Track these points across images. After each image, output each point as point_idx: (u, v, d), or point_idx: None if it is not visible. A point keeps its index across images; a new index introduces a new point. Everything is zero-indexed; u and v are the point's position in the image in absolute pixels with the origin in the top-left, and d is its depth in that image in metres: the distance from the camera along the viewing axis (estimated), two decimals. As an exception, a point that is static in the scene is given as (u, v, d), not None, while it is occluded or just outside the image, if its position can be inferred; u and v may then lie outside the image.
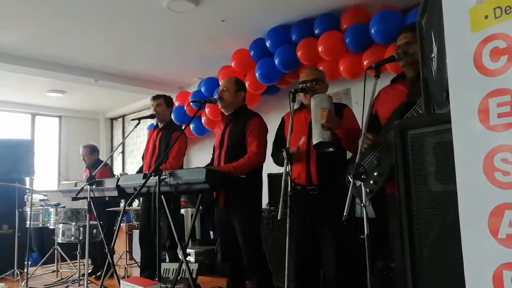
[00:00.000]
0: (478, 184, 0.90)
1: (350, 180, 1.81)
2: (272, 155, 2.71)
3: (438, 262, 1.16)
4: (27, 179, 4.50)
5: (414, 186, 1.22)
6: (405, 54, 2.08)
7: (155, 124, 3.76)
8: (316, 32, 3.74)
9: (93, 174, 3.15)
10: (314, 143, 2.23)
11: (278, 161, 2.68)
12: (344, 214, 1.78)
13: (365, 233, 1.79)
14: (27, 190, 4.35)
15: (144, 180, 2.47)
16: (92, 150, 4.80)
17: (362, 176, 1.81)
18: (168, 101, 3.64)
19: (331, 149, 2.24)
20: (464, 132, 0.93)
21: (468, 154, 0.92)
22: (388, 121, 2.07)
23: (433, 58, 1.36)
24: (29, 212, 4.20)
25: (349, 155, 2.49)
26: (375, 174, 2.02)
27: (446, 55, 0.99)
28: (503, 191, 0.86)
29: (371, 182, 2.02)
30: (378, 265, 2.88)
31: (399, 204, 1.24)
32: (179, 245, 2.72)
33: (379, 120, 2.20)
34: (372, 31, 3.34)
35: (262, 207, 3.06)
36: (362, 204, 1.83)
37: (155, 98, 3.61)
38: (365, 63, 3.45)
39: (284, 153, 2.31)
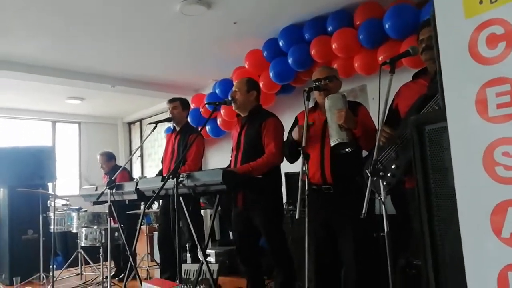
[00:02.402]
0: (478, 181, 0.83)
1: (368, 175, 1.79)
2: (284, 151, 2.70)
3: (460, 259, 1.14)
4: (50, 185, 4.62)
5: (433, 182, 1.20)
6: (428, 48, 2.03)
7: (172, 127, 3.79)
8: (329, 29, 3.71)
9: (113, 178, 3.20)
10: (332, 145, 2.22)
11: (289, 154, 2.63)
12: (363, 211, 1.76)
13: (385, 230, 1.77)
14: (50, 196, 4.46)
15: (163, 182, 2.51)
16: (109, 157, 4.90)
17: (380, 173, 1.80)
18: (184, 103, 3.67)
19: (349, 149, 2.23)
20: (461, 125, 0.87)
21: (466, 149, 0.86)
22: (407, 115, 2.04)
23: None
24: (53, 217, 4.31)
25: (364, 153, 2.47)
26: (392, 167, 2.00)
27: (438, 44, 0.92)
28: (505, 186, 0.80)
29: (389, 175, 2.00)
30: (401, 263, 2.84)
31: (418, 201, 1.23)
32: (198, 246, 2.74)
33: (399, 114, 2.18)
34: (386, 26, 3.30)
35: (283, 206, 3.06)
36: (380, 198, 1.80)
37: (171, 101, 3.65)
38: (380, 58, 3.41)
39: (294, 134, 2.33)
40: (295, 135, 2.45)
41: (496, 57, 0.81)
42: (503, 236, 0.80)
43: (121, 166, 3.94)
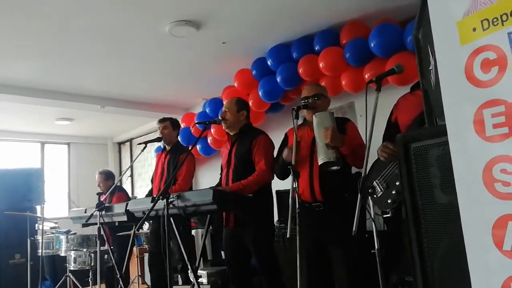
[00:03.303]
0: (479, 197, 0.89)
1: (363, 191, 1.79)
2: (274, 170, 2.72)
3: (450, 275, 1.14)
4: (38, 207, 4.54)
5: (420, 199, 1.22)
6: None
7: (162, 147, 3.79)
8: (316, 48, 3.78)
9: (108, 200, 3.16)
10: (319, 164, 2.24)
11: (279, 172, 2.66)
12: (354, 228, 1.77)
13: (376, 247, 1.77)
14: (38, 218, 4.39)
15: (152, 204, 2.49)
16: (107, 176, 4.85)
17: (369, 190, 1.81)
18: (174, 123, 3.68)
19: (337, 167, 2.25)
20: (461, 144, 0.93)
21: (467, 167, 0.92)
22: (409, 129, 2.02)
23: (431, 71, 1.38)
24: (41, 240, 4.22)
25: (354, 170, 2.49)
26: (397, 184, 1.98)
27: (438, 68, 1.00)
28: (504, 202, 0.85)
29: (393, 192, 2.00)
30: (393, 279, 2.83)
31: (406, 218, 1.24)
32: (189, 267, 2.71)
33: (398, 127, 2.18)
34: (372, 44, 3.37)
35: (274, 224, 3.05)
36: (371, 216, 1.81)
37: (161, 121, 3.66)
38: (366, 76, 3.48)
39: (285, 152, 2.35)
40: (286, 155, 2.46)
41: (490, 81, 0.88)
42: (505, 249, 0.85)
43: (118, 186, 3.89)
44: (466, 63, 0.92)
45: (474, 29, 0.91)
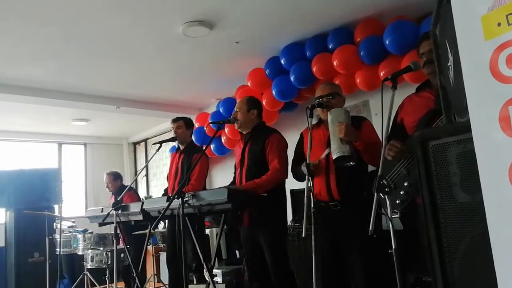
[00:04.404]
0: (505, 195, 0.86)
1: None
2: (292, 171, 2.71)
3: (471, 276, 1.12)
4: (56, 207, 4.62)
5: (439, 198, 1.19)
6: (429, 62, 2.04)
7: (176, 146, 3.81)
8: (330, 46, 3.75)
9: (119, 199, 3.20)
10: (334, 158, 2.22)
11: (297, 176, 2.68)
12: (370, 228, 1.75)
13: (393, 247, 1.75)
14: (56, 218, 4.47)
15: (168, 203, 2.51)
16: (115, 177, 4.91)
17: (386, 189, 1.79)
18: (187, 122, 3.70)
19: (351, 163, 2.22)
20: (486, 142, 0.91)
21: (492, 165, 0.89)
22: (416, 130, 2.03)
23: (449, 67, 1.35)
24: (59, 239, 4.30)
25: (370, 168, 2.46)
26: (405, 184, 1.98)
27: (461, 65, 0.98)
28: None
29: (401, 192, 1.98)
30: (411, 279, 2.79)
31: (425, 218, 1.22)
32: (204, 266, 2.72)
33: (404, 128, 2.17)
34: (387, 42, 3.33)
35: (288, 224, 3.04)
36: (387, 216, 1.79)
37: (174, 120, 3.68)
38: (381, 74, 3.44)
39: (305, 169, 2.31)
40: (305, 171, 2.40)
41: (516, 76, 0.86)
42: None
43: (127, 186, 3.93)
44: (491, 59, 0.90)
45: (499, 24, 0.88)
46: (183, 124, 3.64)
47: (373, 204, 1.77)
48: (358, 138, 2.23)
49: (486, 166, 0.92)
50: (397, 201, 1.98)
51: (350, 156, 2.19)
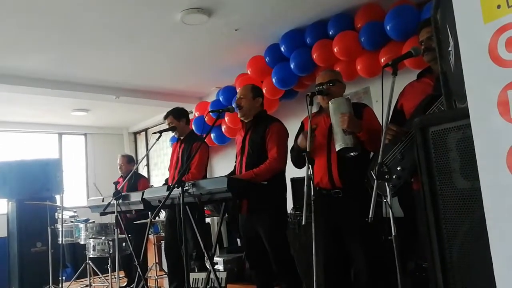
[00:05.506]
0: (503, 181, 0.85)
1: (373, 176, 1.78)
2: (291, 159, 2.70)
3: (469, 261, 1.12)
4: (57, 197, 4.64)
5: (439, 184, 1.19)
6: (428, 49, 2.03)
7: (176, 137, 3.80)
8: (330, 33, 3.71)
9: (126, 187, 3.20)
10: (337, 150, 2.21)
11: (296, 161, 2.64)
12: (370, 214, 1.75)
13: (393, 233, 1.75)
14: (57, 208, 4.48)
15: (168, 192, 2.51)
16: (129, 159, 4.99)
17: (386, 176, 1.78)
18: (176, 113, 3.65)
19: (355, 153, 2.22)
20: (484, 127, 0.90)
21: (490, 150, 0.88)
22: (413, 115, 2.03)
23: (450, 52, 1.33)
24: (61, 229, 4.32)
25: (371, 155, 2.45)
26: (398, 168, 1.99)
27: (460, 48, 0.96)
28: None
29: (394, 177, 1.99)
30: (410, 266, 2.81)
31: (424, 203, 1.21)
32: (205, 255, 2.74)
33: (404, 114, 2.17)
34: (388, 28, 3.29)
35: (287, 212, 3.04)
36: (386, 201, 1.79)
37: (165, 117, 3.66)
38: (382, 60, 3.40)
39: (302, 142, 2.32)
40: (300, 142, 2.44)
41: (515, 60, 0.84)
42: None
43: (136, 173, 3.92)
44: (490, 42, 0.88)
45: (499, 6, 0.86)
46: (173, 118, 3.61)
47: (372, 191, 1.77)
48: (361, 129, 2.21)
49: (483, 150, 0.91)
50: (390, 185, 1.99)
51: (353, 147, 2.18)
